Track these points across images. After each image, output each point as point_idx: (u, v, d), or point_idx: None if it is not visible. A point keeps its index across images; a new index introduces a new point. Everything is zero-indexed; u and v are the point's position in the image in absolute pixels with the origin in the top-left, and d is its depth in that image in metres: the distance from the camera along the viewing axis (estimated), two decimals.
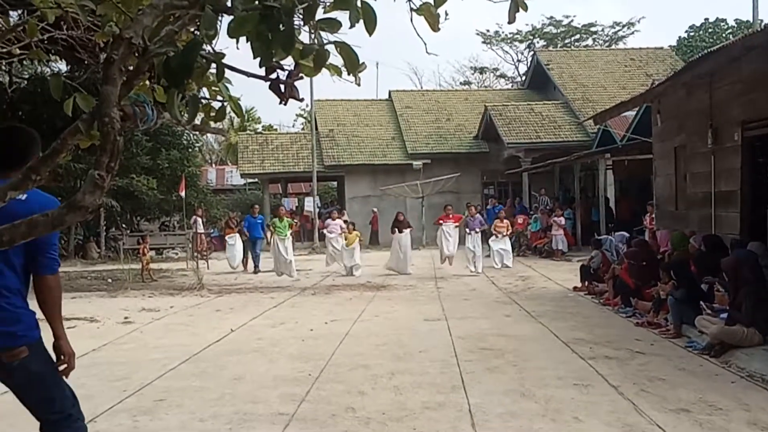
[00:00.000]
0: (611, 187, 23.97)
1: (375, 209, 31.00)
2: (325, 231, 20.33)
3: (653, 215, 16.60)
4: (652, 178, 15.03)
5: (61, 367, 3.74)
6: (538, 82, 36.20)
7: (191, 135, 31.17)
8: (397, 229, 19.31)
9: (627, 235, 14.41)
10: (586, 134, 28.58)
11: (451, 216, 19.12)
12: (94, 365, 8.35)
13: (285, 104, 3.56)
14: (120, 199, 27.35)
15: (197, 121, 4.26)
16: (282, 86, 3.52)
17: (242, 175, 35.79)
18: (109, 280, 18.78)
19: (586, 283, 13.93)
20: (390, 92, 37.55)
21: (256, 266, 21.04)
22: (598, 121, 17.96)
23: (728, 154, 10.78)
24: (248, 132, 42.55)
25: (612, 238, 14.25)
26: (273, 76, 3.51)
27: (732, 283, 8.34)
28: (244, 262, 21.79)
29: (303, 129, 48.07)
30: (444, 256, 18.91)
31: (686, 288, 9.42)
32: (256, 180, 36.63)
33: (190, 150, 31.70)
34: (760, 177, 9.92)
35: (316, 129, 33.45)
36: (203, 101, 4.02)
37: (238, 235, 21.79)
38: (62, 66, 14.29)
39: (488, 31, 51.69)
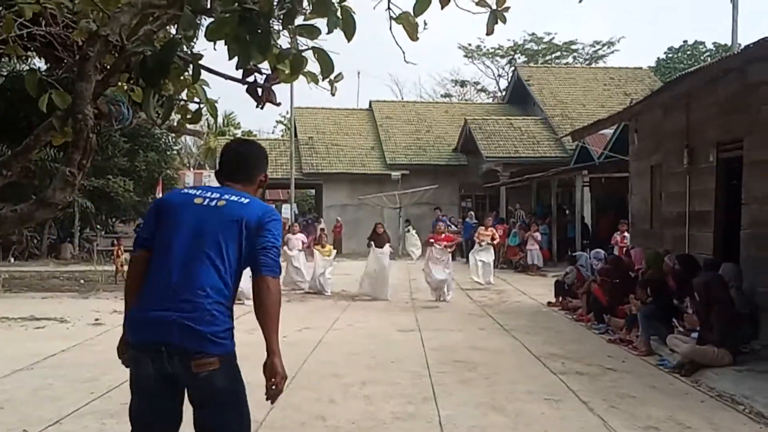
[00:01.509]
0: (588, 204, 24.13)
1: (339, 218, 30.84)
2: (285, 248, 16.95)
3: (625, 233, 16.76)
4: (628, 196, 15.15)
5: (271, 390, 3.19)
6: (518, 97, 36.46)
7: (170, 138, 31.02)
8: (374, 243, 16.35)
9: (602, 252, 14.50)
10: (565, 150, 28.79)
11: (443, 234, 16.21)
12: (62, 366, 8.25)
13: (262, 108, 3.56)
14: (95, 199, 27.12)
15: (174, 123, 4.24)
16: (259, 90, 3.51)
17: None
18: (82, 281, 18.60)
19: (561, 298, 13.98)
20: (371, 102, 37.65)
21: None
22: (576, 137, 18.10)
23: (703, 175, 10.88)
24: (227, 137, 42.35)
25: (587, 254, 14.32)
26: (251, 79, 3.51)
27: (703, 304, 8.40)
28: None
29: (282, 136, 48.02)
30: (434, 283, 15.33)
31: (658, 305, 9.48)
32: None
33: (168, 153, 31.53)
34: (734, 198, 10.01)
35: (296, 136, 33.41)
36: (180, 102, 4.00)
37: None
38: (41, 63, 14.14)
39: (470, 45, 52.03)
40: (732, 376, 7.61)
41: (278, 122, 57.47)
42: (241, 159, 3.48)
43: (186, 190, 3.36)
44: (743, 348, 8.51)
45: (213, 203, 3.22)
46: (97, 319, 11.93)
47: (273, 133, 56.50)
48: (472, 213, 29.08)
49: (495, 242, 18.61)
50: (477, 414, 6.47)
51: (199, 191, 3.30)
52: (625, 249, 15.66)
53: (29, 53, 8.13)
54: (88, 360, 8.69)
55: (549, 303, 14.41)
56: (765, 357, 8.39)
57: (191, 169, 52.19)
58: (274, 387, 3.17)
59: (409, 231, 27.24)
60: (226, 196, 3.26)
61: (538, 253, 22.24)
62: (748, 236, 9.40)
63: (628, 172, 15.33)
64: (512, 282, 19.31)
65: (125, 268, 18.77)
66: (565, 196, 26.89)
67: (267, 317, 3.17)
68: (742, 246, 9.54)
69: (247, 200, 3.27)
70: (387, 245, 16.27)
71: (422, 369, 8.34)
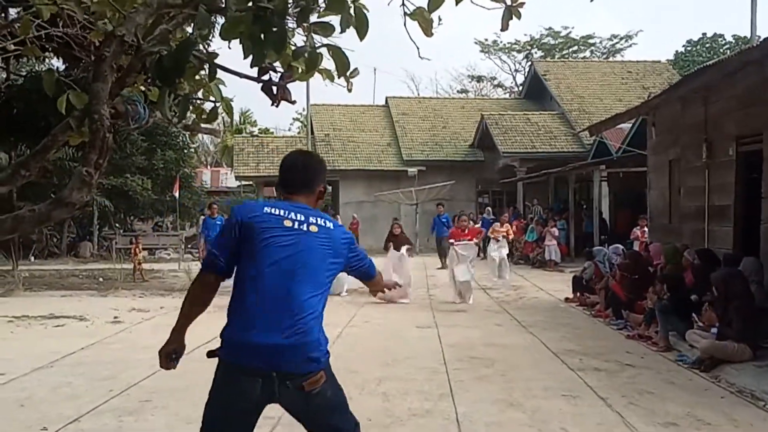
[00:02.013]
0: (606, 198, 23.99)
1: (355, 215, 30.77)
2: None
3: (645, 228, 16.63)
4: (647, 191, 15.05)
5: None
6: (534, 92, 36.29)
7: (187, 136, 31.16)
8: (392, 245, 15.62)
9: (621, 247, 14.41)
10: (582, 145, 28.64)
11: (467, 230, 15.03)
12: (81, 364, 8.32)
13: (277, 106, 3.56)
14: (114, 198, 27.32)
15: (189, 122, 4.26)
16: (274, 88, 3.52)
17: (237, 178, 35.75)
18: (101, 280, 18.74)
19: (578, 294, 13.92)
20: (387, 98, 37.60)
21: None
22: (594, 132, 18.00)
23: (722, 169, 10.80)
24: (244, 135, 42.52)
25: (606, 249, 14.25)
26: (265, 77, 3.51)
27: (722, 298, 8.34)
28: None
29: (299, 133, 48.12)
30: (458, 285, 14.33)
31: (676, 301, 9.42)
32: (251, 183, 36.61)
33: (185, 151, 31.69)
34: (753, 192, 9.92)
35: (312, 133, 33.46)
36: (196, 102, 4.02)
37: None
38: (59, 63, 14.25)
39: (486, 40, 51.85)
40: (752, 371, 7.55)
41: (295, 119, 57.64)
42: (305, 172, 3.55)
43: (267, 209, 3.35)
44: (763, 343, 8.43)
45: (303, 227, 3.33)
46: (116, 317, 12.03)
47: (290, 130, 56.71)
48: (489, 209, 28.99)
49: (510, 237, 18.57)
50: (494, 410, 6.46)
51: (282, 210, 3.34)
52: (644, 244, 15.57)
53: (47, 54, 8.20)
54: (107, 358, 8.78)
55: (567, 299, 14.35)
56: None
57: (208, 167, 52.51)
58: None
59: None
60: (312, 219, 3.36)
61: (555, 248, 22.14)
62: None
63: (646, 167, 15.23)
64: (529, 278, 19.24)
65: (143, 266, 19.04)
66: (583, 191, 26.77)
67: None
68: (763, 240, 9.45)
69: (330, 223, 3.43)
70: (404, 247, 15.34)
71: (439, 365, 8.33)
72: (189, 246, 28.10)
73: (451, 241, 14.78)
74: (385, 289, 4.00)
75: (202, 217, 24.24)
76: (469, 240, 14.73)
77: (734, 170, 10.46)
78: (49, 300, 14.63)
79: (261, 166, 33.05)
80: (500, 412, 6.40)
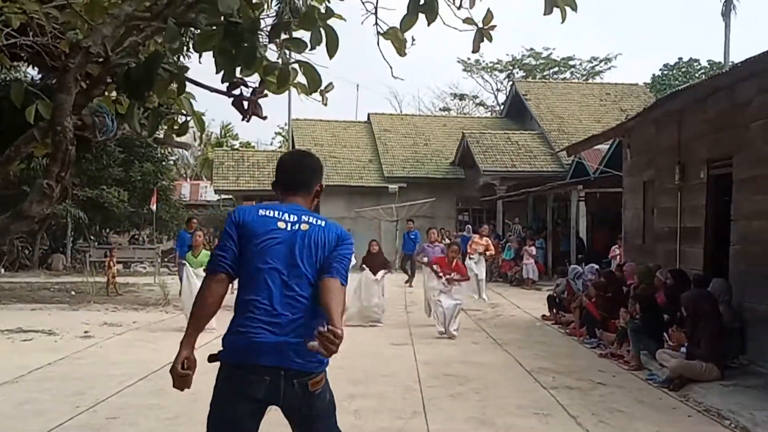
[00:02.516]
0: (583, 218, 24.14)
1: None
2: None
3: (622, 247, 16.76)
4: (622, 211, 15.16)
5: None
6: (515, 111, 36.51)
7: (166, 148, 31.02)
8: (368, 268, 13.85)
9: (596, 266, 14.50)
10: (561, 165, 28.82)
11: (454, 262, 12.52)
12: (48, 379, 8.21)
13: (248, 121, 3.56)
14: (89, 210, 27.05)
15: (160, 135, 4.24)
16: (245, 103, 3.52)
17: (216, 191, 35.59)
18: (73, 293, 18.51)
19: (554, 312, 13.98)
20: (369, 115, 37.66)
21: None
22: (571, 152, 18.15)
23: (694, 191, 10.92)
24: (224, 148, 42.42)
25: (578, 268, 14.36)
26: (236, 92, 3.52)
27: (691, 318, 8.41)
28: None
29: (280, 147, 48.07)
30: (439, 320, 12.27)
31: (648, 320, 9.48)
32: (231, 197, 36.47)
33: (163, 163, 31.49)
34: (724, 214, 10.04)
35: (293, 148, 33.42)
36: (167, 115, 4.01)
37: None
38: (34, 72, 14.15)
39: (469, 59, 52.06)
40: (719, 390, 7.62)
41: (277, 134, 57.51)
42: (302, 172, 3.58)
43: (261, 212, 3.37)
44: (731, 363, 8.53)
45: (296, 227, 3.35)
46: (86, 332, 11.87)
47: (271, 144, 56.51)
48: (470, 226, 29.06)
49: (488, 254, 17.56)
50: (466, 428, 6.46)
51: (275, 212, 3.38)
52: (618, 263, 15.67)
53: (16, 63, 8.15)
54: (75, 373, 8.66)
55: (543, 317, 14.40)
56: (752, 372, 8.41)
57: (188, 180, 52.20)
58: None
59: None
60: (305, 218, 3.39)
61: (533, 266, 22.21)
62: (737, 252, 9.43)
63: (622, 188, 15.36)
64: (507, 296, 19.28)
65: (117, 279, 18.82)
66: (561, 210, 26.91)
67: (330, 310, 3.19)
68: (732, 262, 9.56)
69: (324, 222, 3.44)
70: (381, 272, 13.77)
71: (413, 383, 8.32)
72: (165, 259, 27.88)
73: (440, 273, 12.38)
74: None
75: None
76: (451, 275, 12.29)
77: (705, 193, 10.59)
78: (18, 313, 14.40)
79: (241, 180, 32.94)
80: (472, 430, 6.42)
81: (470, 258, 17.22)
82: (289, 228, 3.34)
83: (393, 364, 9.45)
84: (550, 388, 8.14)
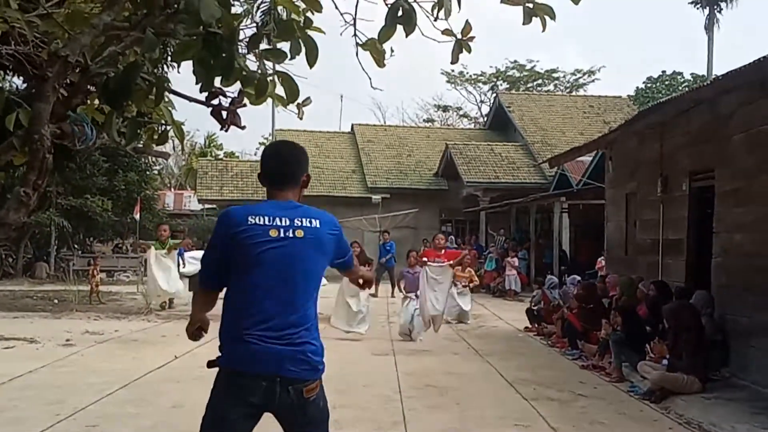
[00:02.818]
0: (566, 230, 24.25)
1: None
2: None
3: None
4: (605, 223, 15.25)
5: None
6: (499, 123, 36.69)
7: (150, 158, 30.88)
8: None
9: (578, 278, 14.57)
10: (544, 177, 28.96)
11: (442, 251, 12.78)
12: (29, 387, 8.15)
13: (226, 131, 3.57)
14: (73, 219, 26.91)
15: (140, 144, 4.24)
16: (224, 113, 3.53)
17: (200, 201, 35.50)
18: (55, 301, 18.37)
19: (536, 324, 14.01)
20: (352, 125, 37.74)
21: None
22: (554, 164, 18.24)
23: (676, 203, 11.00)
24: (208, 158, 42.32)
25: (555, 278, 14.50)
26: (215, 102, 3.52)
27: (672, 331, 8.46)
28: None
29: None
30: (426, 315, 12.24)
31: (630, 332, 9.53)
32: (214, 206, 36.37)
33: (147, 173, 31.37)
34: (706, 227, 10.12)
35: None
36: (147, 124, 4.01)
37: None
38: (18, 82, 14.10)
39: (453, 71, 52.20)
40: (700, 403, 7.65)
41: (261, 144, 57.40)
42: (290, 164, 3.55)
43: (251, 219, 3.31)
44: (713, 375, 8.57)
45: (290, 233, 3.33)
46: (68, 340, 11.79)
47: (255, 155, 56.35)
48: (453, 237, 29.09)
49: (472, 285, 15.78)
50: None
51: (267, 218, 3.33)
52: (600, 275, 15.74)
53: (1, 72, 8.10)
54: (56, 381, 8.60)
55: (525, 328, 14.42)
56: (734, 384, 8.46)
57: (172, 189, 52.04)
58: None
59: None
60: (297, 222, 3.36)
61: (515, 278, 22.27)
62: (719, 265, 9.50)
63: (605, 200, 15.45)
64: (489, 307, 19.30)
65: (100, 288, 18.70)
66: (544, 221, 27.03)
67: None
68: (713, 274, 9.63)
69: (317, 220, 3.42)
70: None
71: (393, 393, 8.31)
72: None
73: (425, 259, 12.47)
74: (361, 281, 4.10)
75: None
76: (445, 261, 12.34)
77: (687, 205, 10.67)
78: (0, 321, 14.29)
79: (224, 189, 32.88)
80: None
81: (454, 284, 14.83)
82: (281, 235, 3.31)
83: (374, 375, 9.43)
84: (531, 399, 8.15)
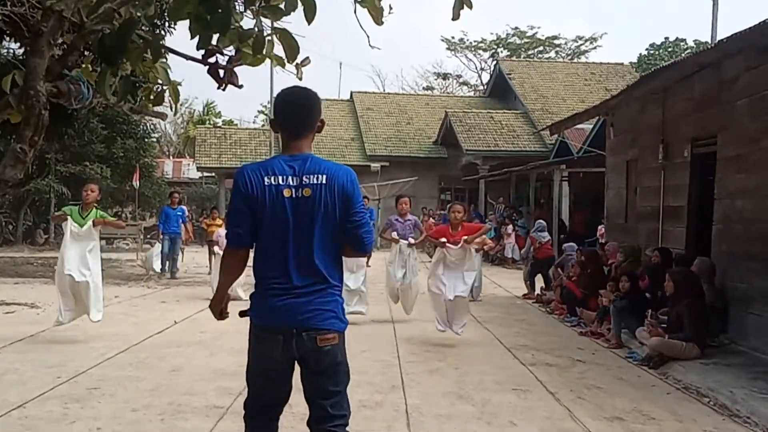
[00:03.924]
0: (566, 198, 24.21)
1: None
2: (216, 247, 13.35)
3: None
4: (605, 191, 15.21)
5: None
6: (499, 91, 36.49)
7: (148, 125, 30.73)
8: None
9: (575, 245, 14.56)
10: (544, 145, 28.86)
11: (460, 227, 9.53)
12: (30, 350, 8.19)
13: (224, 89, 3.52)
14: (72, 186, 26.85)
15: (136, 104, 4.19)
16: (221, 71, 3.48)
17: (198, 169, 35.40)
18: (56, 268, 18.38)
19: (530, 282, 14.16)
20: (352, 93, 37.53)
21: (171, 270, 16.96)
22: (554, 130, 18.15)
23: (678, 170, 10.95)
24: (207, 126, 42.13)
25: (543, 222, 14.70)
26: (212, 60, 3.47)
27: (674, 296, 8.46)
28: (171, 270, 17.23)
29: (263, 126, 47.79)
30: (441, 309, 9.40)
31: (631, 298, 9.54)
32: (213, 174, 36.30)
33: (146, 140, 31.24)
34: (708, 194, 10.08)
35: None
36: (143, 84, 3.96)
37: (159, 240, 17.44)
38: (15, 47, 13.97)
39: (453, 38, 51.94)
40: (699, 369, 7.67)
41: (260, 112, 57.19)
42: (303, 112, 3.52)
43: (267, 180, 3.37)
44: (711, 342, 8.59)
45: (300, 193, 3.37)
46: None
47: (254, 122, 56.20)
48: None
49: (487, 248, 12.26)
50: (444, 403, 6.48)
51: (281, 178, 3.37)
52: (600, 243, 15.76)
53: None
54: (57, 345, 8.65)
55: (524, 295, 14.47)
56: (732, 351, 8.49)
57: (170, 157, 51.90)
58: None
59: None
60: (305, 180, 3.38)
61: (514, 246, 22.31)
62: (720, 232, 9.48)
63: (605, 167, 15.39)
64: (488, 275, 19.29)
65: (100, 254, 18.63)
66: (544, 190, 26.99)
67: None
68: (714, 241, 9.61)
69: (323, 176, 3.40)
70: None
71: (392, 358, 8.34)
72: (148, 236, 27.75)
73: (443, 240, 9.41)
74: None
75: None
76: (457, 243, 9.26)
77: (689, 172, 10.62)
78: (1, 287, 14.32)
79: (223, 157, 32.79)
80: (450, 405, 6.43)
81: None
82: (294, 195, 3.37)
83: (373, 340, 9.45)
84: (529, 364, 8.18)
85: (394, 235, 10.78)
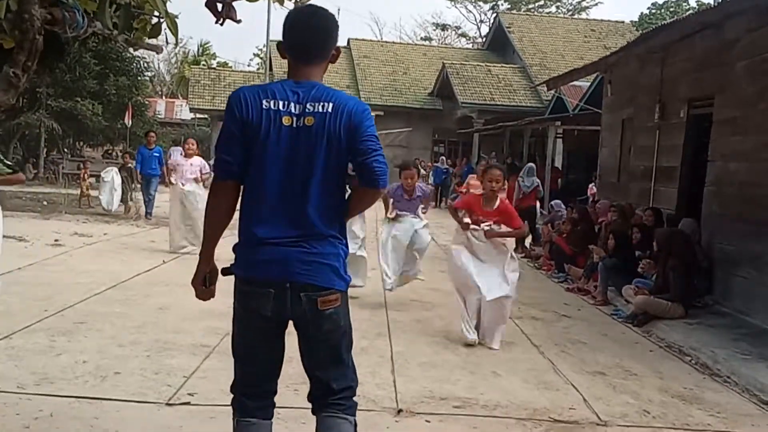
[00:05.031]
0: (559, 156, 24.18)
1: None
2: (172, 178, 11.90)
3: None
4: (599, 149, 15.17)
5: None
6: (498, 44, 36.18)
7: (141, 62, 30.36)
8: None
9: (561, 203, 14.58)
10: (540, 101, 28.75)
11: (496, 203, 6.93)
12: (17, 284, 8.17)
13: (222, 24, 3.44)
14: (63, 122, 26.66)
15: (132, 37, 4.11)
16: (219, 5, 3.40)
17: (191, 110, 35.14)
18: (45, 203, 18.37)
19: (522, 247, 14.15)
20: (349, 40, 37.11)
21: (147, 212, 16.34)
22: (552, 86, 18.02)
23: (673, 130, 10.92)
24: (201, 66, 41.68)
25: (533, 164, 14.71)
26: None
27: (662, 256, 8.50)
28: (128, 206, 17.35)
29: (258, 69, 47.34)
30: (472, 305, 6.94)
31: (620, 256, 9.58)
32: (206, 116, 36.05)
33: (139, 78, 30.92)
34: (701, 156, 10.07)
35: (271, 69, 32.93)
36: (139, 15, 3.87)
37: (116, 169, 17.46)
38: None
39: None
40: (682, 328, 7.75)
41: (255, 54, 56.64)
42: (318, 36, 2.98)
43: (266, 103, 2.86)
44: (696, 302, 8.67)
45: (301, 122, 2.86)
46: (56, 240, 11.82)
47: (249, 65, 55.72)
48: (443, 158, 29.00)
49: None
50: (429, 351, 6.54)
51: (281, 102, 2.86)
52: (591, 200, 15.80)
53: None
54: (44, 279, 8.65)
55: (514, 250, 14.50)
56: (717, 312, 8.56)
57: (163, 97, 51.47)
58: None
59: None
60: (309, 107, 2.86)
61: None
62: (711, 193, 9.49)
63: (600, 126, 15.34)
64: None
65: (90, 192, 18.65)
66: (538, 146, 26.93)
67: (352, 212, 3.08)
68: (705, 202, 9.63)
69: (329, 104, 2.88)
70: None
71: (379, 307, 8.38)
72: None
73: (466, 221, 6.97)
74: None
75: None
76: (497, 222, 6.87)
77: (684, 132, 10.59)
78: None
79: (217, 99, 32.51)
80: (435, 354, 6.49)
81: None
82: (294, 124, 2.86)
83: (360, 290, 9.46)
84: (515, 318, 8.20)
85: (394, 213, 8.63)
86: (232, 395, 3.13)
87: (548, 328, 7.86)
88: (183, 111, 42.63)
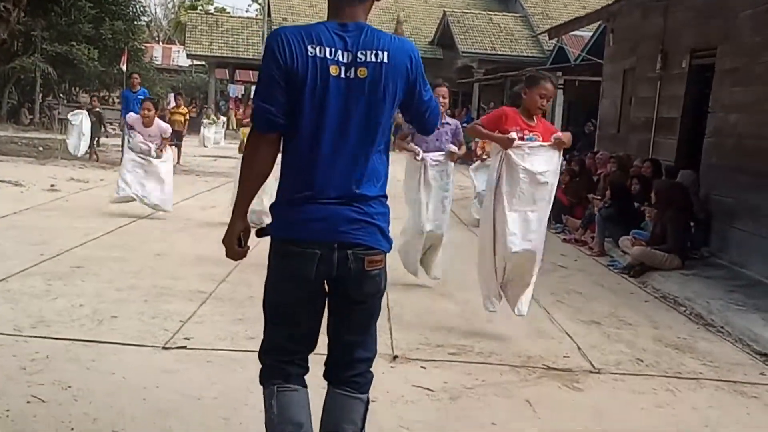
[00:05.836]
0: (559, 107, 23.98)
1: None
2: (129, 135, 10.68)
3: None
4: (600, 100, 15.04)
5: None
6: None
7: (138, 6, 29.93)
8: None
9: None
10: (542, 51, 28.46)
11: (535, 118, 5.45)
12: (13, 228, 8.18)
13: None
14: (58, 66, 26.35)
15: None
16: None
17: (188, 56, 34.76)
18: (40, 148, 18.28)
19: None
20: None
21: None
22: (554, 35, 17.82)
23: (674, 81, 10.81)
24: (198, 12, 41.11)
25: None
26: None
27: (660, 207, 8.48)
28: (92, 151, 17.15)
29: (257, 15, 46.68)
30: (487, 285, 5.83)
31: (618, 207, 9.56)
32: (203, 63, 35.67)
33: (135, 22, 30.48)
34: (702, 107, 9.98)
35: (269, 16, 32.51)
36: None
37: (85, 113, 17.02)
38: None
39: None
40: (678, 279, 7.78)
41: (253, 1, 55.77)
42: None
43: (311, 50, 2.59)
44: (693, 254, 8.69)
45: (351, 72, 2.61)
46: (52, 185, 11.79)
47: (247, 12, 54.85)
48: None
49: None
50: (425, 299, 6.58)
51: (327, 49, 2.60)
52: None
53: None
54: (40, 224, 8.64)
55: None
56: (713, 264, 8.59)
57: (160, 43, 50.83)
58: None
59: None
60: (360, 56, 2.62)
61: None
62: (711, 144, 9.43)
63: (602, 77, 15.18)
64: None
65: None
66: None
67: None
68: (704, 154, 9.58)
69: (385, 53, 2.64)
70: None
71: None
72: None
73: (513, 133, 5.37)
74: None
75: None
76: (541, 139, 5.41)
77: (685, 83, 10.48)
78: None
79: (214, 45, 32.16)
80: (431, 302, 6.52)
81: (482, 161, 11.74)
82: (343, 75, 2.61)
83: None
84: None
85: (419, 152, 6.90)
86: (262, 364, 2.88)
87: (545, 278, 7.77)
88: (180, 57, 42.15)
